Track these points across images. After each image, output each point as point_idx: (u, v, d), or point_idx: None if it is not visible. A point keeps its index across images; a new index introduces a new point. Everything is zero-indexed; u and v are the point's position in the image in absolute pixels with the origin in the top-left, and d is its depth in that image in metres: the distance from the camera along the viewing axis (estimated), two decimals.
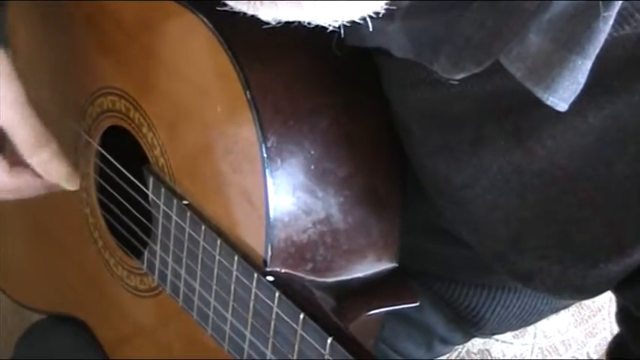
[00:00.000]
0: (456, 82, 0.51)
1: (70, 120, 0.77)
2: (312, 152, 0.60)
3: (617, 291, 0.57)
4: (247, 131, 0.59)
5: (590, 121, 0.51)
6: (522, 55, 0.47)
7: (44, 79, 0.80)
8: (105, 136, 0.75)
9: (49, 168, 0.71)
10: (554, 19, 0.46)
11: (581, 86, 0.47)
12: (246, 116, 0.59)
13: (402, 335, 0.83)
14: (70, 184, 0.73)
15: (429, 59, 0.52)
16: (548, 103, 0.47)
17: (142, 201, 0.71)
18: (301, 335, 0.58)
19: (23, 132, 0.69)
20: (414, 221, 0.68)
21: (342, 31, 0.43)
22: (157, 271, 0.71)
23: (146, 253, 0.72)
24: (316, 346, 0.57)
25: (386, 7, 0.42)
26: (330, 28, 0.43)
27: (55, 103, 0.79)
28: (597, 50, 0.46)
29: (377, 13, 0.43)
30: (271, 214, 0.59)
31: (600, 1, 0.44)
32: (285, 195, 0.60)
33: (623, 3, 0.45)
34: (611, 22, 0.45)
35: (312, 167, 0.60)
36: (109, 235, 0.77)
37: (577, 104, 0.48)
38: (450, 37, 0.50)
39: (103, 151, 0.74)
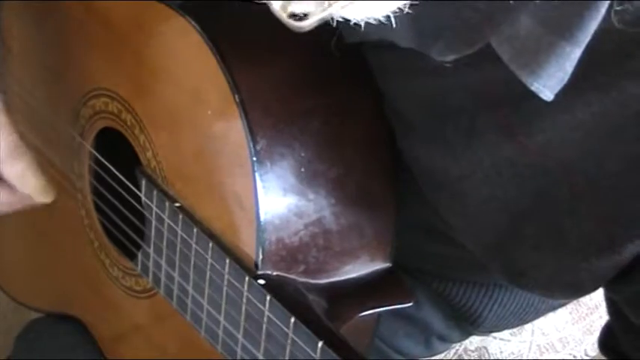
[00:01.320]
0: (449, 65, 0.51)
1: (63, 121, 0.77)
2: (303, 154, 0.60)
3: (606, 287, 0.57)
4: (237, 134, 0.59)
5: (579, 117, 0.50)
6: (512, 37, 0.47)
7: (38, 80, 0.80)
8: (99, 137, 0.74)
9: (23, 180, 0.71)
10: (547, 4, 0.45)
11: (568, 75, 0.46)
12: (235, 119, 0.59)
13: (400, 333, 0.83)
14: (43, 197, 0.73)
15: (429, 46, 0.52)
16: (533, 88, 0.47)
17: (135, 203, 0.71)
18: (292, 339, 0.58)
19: None
20: (410, 221, 0.67)
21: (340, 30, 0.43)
22: (150, 273, 0.71)
23: (140, 255, 0.71)
24: (307, 349, 0.57)
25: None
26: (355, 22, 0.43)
27: (48, 105, 0.79)
28: (587, 38, 0.45)
29: (400, 9, 0.43)
30: (262, 217, 0.59)
31: None
32: (275, 198, 0.60)
33: None
34: (603, 10, 0.45)
35: (303, 169, 0.60)
36: (104, 237, 0.77)
37: (566, 99, 0.48)
38: (451, 23, 0.50)
39: (96, 153, 0.74)
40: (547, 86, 0.47)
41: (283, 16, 0.41)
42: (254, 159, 0.59)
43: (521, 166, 0.54)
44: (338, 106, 0.63)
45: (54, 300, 0.88)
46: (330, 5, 0.40)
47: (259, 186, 0.59)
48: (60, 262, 0.85)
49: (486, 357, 0.87)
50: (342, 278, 0.64)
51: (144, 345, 0.77)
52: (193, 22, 0.60)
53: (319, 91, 0.62)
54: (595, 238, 0.53)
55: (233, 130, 0.59)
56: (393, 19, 0.43)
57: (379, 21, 0.43)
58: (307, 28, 0.41)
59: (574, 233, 0.54)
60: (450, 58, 0.50)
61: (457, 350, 0.88)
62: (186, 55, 0.62)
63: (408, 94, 0.60)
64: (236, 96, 0.59)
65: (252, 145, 0.58)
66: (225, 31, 0.60)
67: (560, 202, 0.54)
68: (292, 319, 0.57)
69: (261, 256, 0.60)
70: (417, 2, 0.43)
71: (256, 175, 0.59)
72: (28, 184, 0.71)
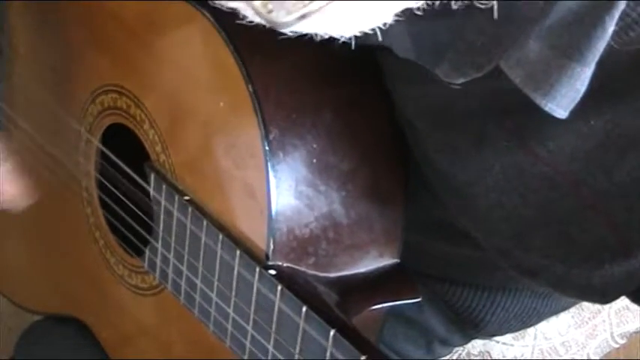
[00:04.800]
0: (457, 87, 0.51)
1: (70, 118, 0.77)
2: (315, 146, 0.61)
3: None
4: (249, 125, 0.59)
5: (592, 124, 0.51)
6: (522, 61, 0.47)
7: (45, 77, 0.80)
8: (106, 134, 0.74)
9: (3, 186, 0.71)
10: (554, 27, 0.46)
11: (580, 94, 0.47)
12: (248, 110, 0.59)
13: (402, 336, 0.83)
14: (23, 202, 0.73)
15: (430, 62, 0.52)
16: (547, 109, 0.47)
17: (144, 199, 0.71)
18: (304, 328, 0.57)
19: None
20: (415, 219, 0.68)
21: (353, 41, 0.44)
22: (158, 269, 0.70)
23: (147, 251, 0.71)
24: (319, 339, 0.57)
25: None
26: (342, 40, 0.43)
27: (56, 102, 0.79)
28: (597, 58, 0.46)
29: (385, 24, 0.43)
30: (273, 208, 0.59)
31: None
32: (287, 189, 0.60)
33: (625, 10, 0.46)
34: (611, 30, 0.45)
35: (315, 161, 0.61)
36: (109, 234, 0.77)
37: (580, 106, 0.48)
38: (453, 43, 0.50)
39: (105, 149, 0.74)
40: (560, 106, 0.47)
41: (264, 14, 0.42)
42: (267, 149, 0.59)
43: (529, 176, 0.54)
44: (350, 100, 0.63)
45: (56, 302, 0.88)
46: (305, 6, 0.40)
47: (271, 176, 0.59)
48: (63, 263, 0.85)
49: None
50: (351, 272, 0.64)
51: (149, 344, 0.77)
52: (206, 14, 0.60)
53: (332, 83, 0.63)
54: (608, 244, 0.53)
55: (246, 122, 0.60)
56: (379, 33, 0.43)
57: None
58: (290, 25, 0.42)
59: (584, 241, 0.54)
60: (459, 81, 0.50)
61: (460, 354, 0.88)
62: (197, 48, 0.63)
63: (414, 100, 0.60)
64: (249, 87, 0.59)
65: (265, 136, 0.59)
66: (237, 23, 0.60)
67: (568, 212, 0.54)
68: (304, 309, 0.57)
69: (272, 247, 0.60)
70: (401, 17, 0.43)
71: (269, 165, 0.59)
72: (8, 191, 0.72)
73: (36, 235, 0.89)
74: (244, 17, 0.44)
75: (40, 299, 0.90)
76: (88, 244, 0.80)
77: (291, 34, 0.44)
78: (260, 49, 0.60)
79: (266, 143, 0.59)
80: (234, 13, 0.45)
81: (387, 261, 0.66)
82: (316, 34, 0.44)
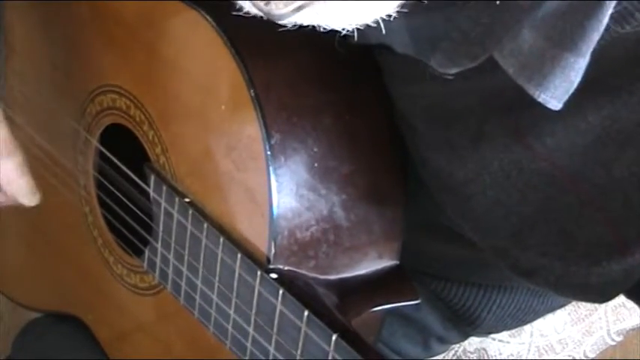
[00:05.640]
0: (450, 77, 0.51)
1: (69, 118, 0.77)
2: (316, 150, 0.61)
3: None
4: (251, 128, 0.59)
5: (589, 120, 0.51)
6: (515, 51, 0.47)
7: (44, 77, 0.80)
8: (105, 134, 0.74)
9: (9, 180, 0.70)
10: (548, 17, 0.46)
11: (574, 85, 0.47)
12: (249, 114, 0.59)
13: (399, 334, 0.83)
14: (28, 200, 0.72)
15: (427, 55, 0.52)
16: (540, 100, 0.47)
17: (143, 199, 0.71)
18: (305, 332, 0.58)
19: None
20: (412, 219, 0.68)
21: (355, 34, 0.44)
22: (158, 270, 0.70)
23: (147, 251, 0.71)
24: (321, 343, 0.57)
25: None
26: (344, 32, 0.43)
27: (54, 101, 0.79)
28: (591, 48, 0.46)
29: (388, 15, 0.43)
30: (275, 212, 0.60)
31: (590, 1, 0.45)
32: (288, 192, 0.60)
33: (622, 2, 0.46)
34: (605, 20, 0.45)
35: (316, 165, 0.61)
36: (108, 234, 0.77)
37: (577, 102, 0.48)
38: (448, 34, 0.50)
39: (103, 149, 0.74)
40: (554, 97, 0.47)
41: (261, 5, 0.42)
42: (268, 153, 0.59)
43: (527, 172, 0.55)
44: (349, 103, 0.63)
45: (55, 300, 0.88)
46: None
47: (273, 180, 0.59)
48: (61, 261, 0.85)
49: (485, 358, 0.88)
50: (351, 275, 0.64)
51: (148, 343, 0.77)
52: (207, 17, 0.60)
53: (332, 86, 0.63)
54: (605, 242, 0.53)
55: (247, 125, 0.60)
56: (382, 25, 0.43)
57: (367, 25, 0.44)
58: (287, 17, 0.42)
59: (582, 238, 0.54)
60: (453, 71, 0.50)
61: (456, 352, 0.88)
62: (199, 50, 0.63)
63: (412, 98, 0.60)
64: (251, 90, 0.59)
65: (266, 140, 0.59)
66: (238, 25, 0.60)
67: (567, 209, 0.54)
68: (306, 313, 0.57)
69: (273, 250, 0.60)
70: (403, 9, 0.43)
71: (270, 169, 0.59)
72: (14, 185, 0.71)
73: (34, 232, 0.89)
74: (241, 8, 0.44)
75: (39, 297, 0.90)
76: (86, 242, 0.80)
77: (291, 26, 0.44)
78: (261, 52, 0.60)
79: (268, 147, 0.59)
80: (231, 6, 0.45)
81: (386, 262, 0.66)
82: (319, 26, 0.43)
